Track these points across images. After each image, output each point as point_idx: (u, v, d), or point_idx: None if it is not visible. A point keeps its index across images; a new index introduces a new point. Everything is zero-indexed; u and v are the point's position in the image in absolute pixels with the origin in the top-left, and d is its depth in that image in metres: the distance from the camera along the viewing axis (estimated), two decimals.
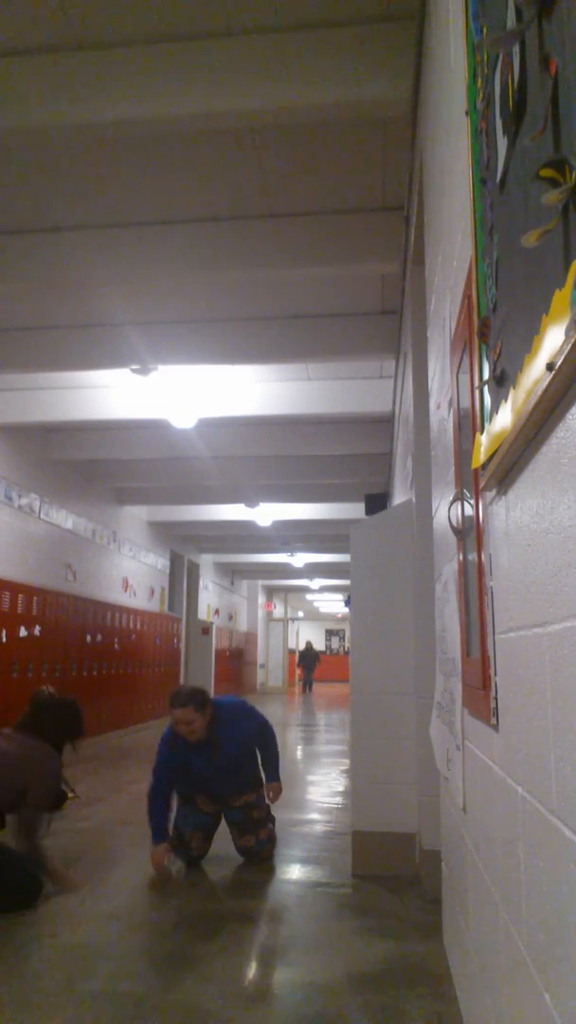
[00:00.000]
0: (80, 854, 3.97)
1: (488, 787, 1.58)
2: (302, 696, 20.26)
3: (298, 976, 2.51)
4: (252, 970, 2.61)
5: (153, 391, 6.51)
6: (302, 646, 25.18)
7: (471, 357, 1.58)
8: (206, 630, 14.67)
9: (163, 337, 5.41)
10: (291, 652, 24.74)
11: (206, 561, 16.05)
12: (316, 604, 29.06)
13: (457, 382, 1.92)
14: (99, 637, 9.26)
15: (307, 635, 31.23)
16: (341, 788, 6.01)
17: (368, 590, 3.85)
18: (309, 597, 27.12)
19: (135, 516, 11.10)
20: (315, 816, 4.96)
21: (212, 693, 3.99)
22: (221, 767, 3.70)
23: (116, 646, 9.82)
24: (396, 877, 3.51)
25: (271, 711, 14.52)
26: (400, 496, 5.26)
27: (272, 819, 3.96)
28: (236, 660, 18.95)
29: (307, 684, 22.74)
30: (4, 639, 6.94)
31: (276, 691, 21.97)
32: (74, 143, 3.47)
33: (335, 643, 31.63)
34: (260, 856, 3.79)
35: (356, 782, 3.75)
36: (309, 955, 2.68)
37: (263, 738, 3.91)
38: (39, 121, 3.03)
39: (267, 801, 3.89)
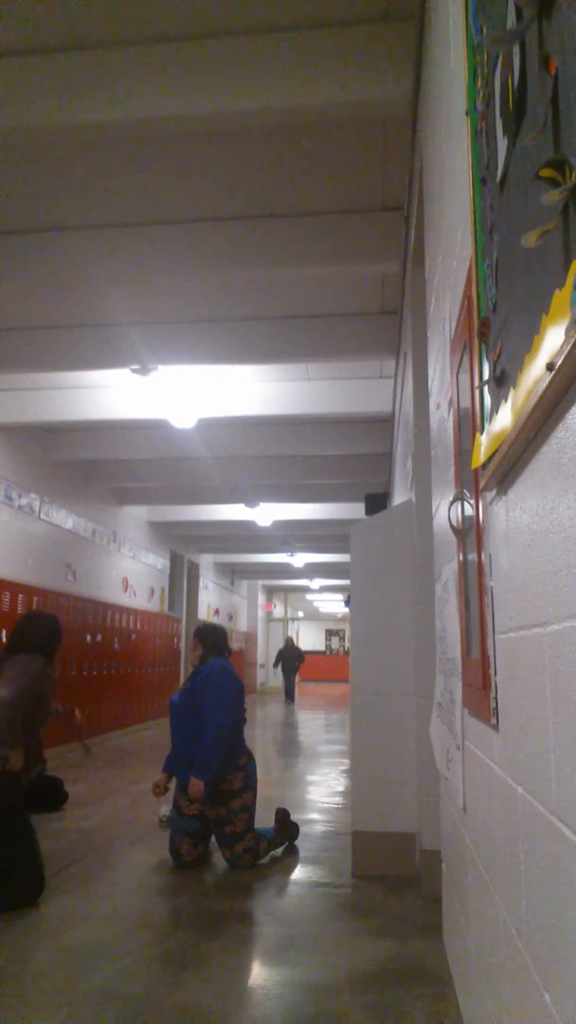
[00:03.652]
0: (80, 854, 3.97)
1: (488, 787, 1.58)
2: (284, 707, 15.84)
3: (298, 976, 2.51)
4: (252, 970, 2.61)
5: (153, 391, 6.51)
6: (304, 644, 20.02)
7: (471, 357, 1.58)
8: None
9: (163, 337, 5.41)
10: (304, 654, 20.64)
11: (206, 561, 16.05)
12: (316, 604, 29.07)
13: (457, 382, 1.92)
14: (99, 637, 9.26)
15: (307, 635, 31.11)
16: (341, 788, 6.01)
17: (368, 590, 3.85)
18: (309, 597, 27.12)
19: (135, 516, 11.10)
20: (315, 816, 4.96)
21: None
22: (178, 706, 3.89)
23: (116, 646, 9.82)
24: (396, 877, 3.51)
25: (270, 712, 14.53)
26: (400, 496, 5.26)
27: (267, 835, 3.90)
28: (236, 660, 18.85)
29: (288, 693, 17.56)
30: (4, 639, 6.94)
31: (276, 691, 21.94)
32: (74, 143, 3.47)
33: (335, 643, 31.64)
34: (238, 867, 3.71)
35: (356, 782, 3.75)
36: (309, 955, 2.68)
37: (207, 709, 3.74)
38: (39, 121, 3.03)
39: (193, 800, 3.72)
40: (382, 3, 2.82)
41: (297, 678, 18.09)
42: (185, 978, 2.47)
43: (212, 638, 4.12)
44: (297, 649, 18.52)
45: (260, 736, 9.99)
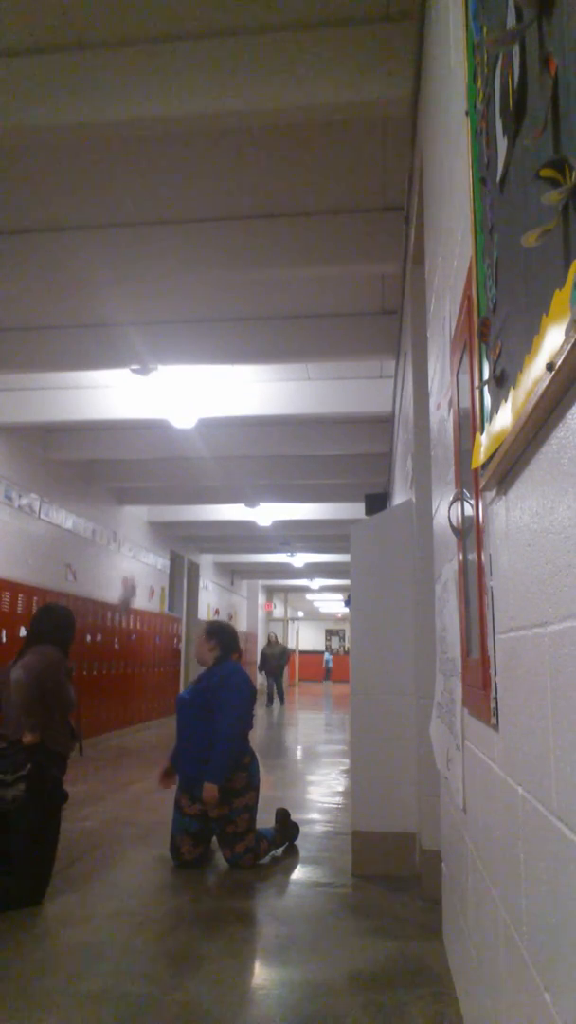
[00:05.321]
0: (80, 854, 3.97)
1: (488, 787, 1.58)
2: (268, 714, 13.83)
3: (298, 976, 2.51)
4: (252, 970, 2.61)
5: (153, 391, 6.51)
6: (304, 644, 18.01)
7: (471, 357, 1.58)
8: None
9: (163, 337, 5.41)
10: (289, 653, 19.90)
11: (206, 561, 16.04)
12: (316, 604, 29.05)
13: (457, 382, 1.92)
14: (99, 637, 9.26)
15: (307, 635, 31.08)
16: (341, 788, 6.01)
17: (368, 590, 3.85)
18: (309, 597, 27.10)
19: (135, 516, 11.09)
20: (315, 816, 4.96)
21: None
22: (188, 703, 3.87)
23: (116, 646, 9.82)
24: (396, 877, 3.51)
25: (268, 712, 14.50)
26: (400, 496, 5.26)
27: (267, 835, 3.89)
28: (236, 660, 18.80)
29: (272, 695, 15.78)
30: (4, 639, 6.94)
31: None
32: (74, 143, 3.47)
33: (335, 643, 31.64)
34: (239, 866, 3.71)
35: (356, 782, 3.75)
36: (309, 955, 2.68)
37: (221, 711, 3.73)
38: (39, 121, 3.03)
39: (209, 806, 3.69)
40: (382, 3, 2.82)
41: (290, 679, 15.92)
42: (185, 978, 2.47)
43: (227, 638, 4.12)
44: (281, 646, 16.59)
45: (260, 736, 9.99)
